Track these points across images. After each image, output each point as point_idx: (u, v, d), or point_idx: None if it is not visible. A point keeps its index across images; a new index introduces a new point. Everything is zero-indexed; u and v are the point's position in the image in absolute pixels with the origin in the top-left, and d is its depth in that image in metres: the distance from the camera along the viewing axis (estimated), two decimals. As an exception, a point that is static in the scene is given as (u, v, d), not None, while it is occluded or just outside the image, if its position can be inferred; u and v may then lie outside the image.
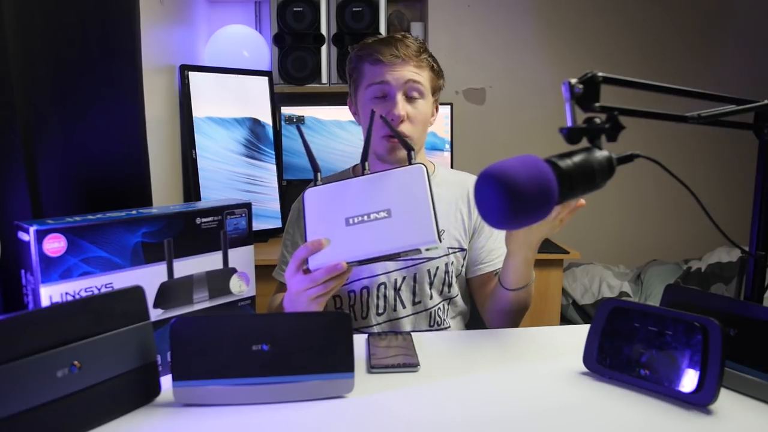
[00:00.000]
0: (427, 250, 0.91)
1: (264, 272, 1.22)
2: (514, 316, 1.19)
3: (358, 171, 1.32)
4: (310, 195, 0.97)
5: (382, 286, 1.23)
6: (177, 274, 0.91)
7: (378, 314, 1.24)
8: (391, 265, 1.22)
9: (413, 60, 1.19)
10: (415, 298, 1.24)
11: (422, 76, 1.21)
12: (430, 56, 1.24)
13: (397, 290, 1.23)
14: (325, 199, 0.96)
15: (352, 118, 1.33)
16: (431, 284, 1.24)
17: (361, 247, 0.91)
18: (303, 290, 0.93)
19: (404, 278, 1.23)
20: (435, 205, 0.92)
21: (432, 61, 1.24)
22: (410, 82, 1.19)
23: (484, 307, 1.27)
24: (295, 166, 2.41)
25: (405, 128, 1.19)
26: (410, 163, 0.98)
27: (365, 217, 0.92)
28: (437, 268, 1.24)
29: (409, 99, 1.20)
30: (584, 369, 0.91)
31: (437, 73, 1.25)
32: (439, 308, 1.25)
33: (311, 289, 0.93)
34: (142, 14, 1.31)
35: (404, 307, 1.23)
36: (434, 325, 1.24)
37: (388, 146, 1.20)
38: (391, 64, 1.18)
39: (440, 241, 0.91)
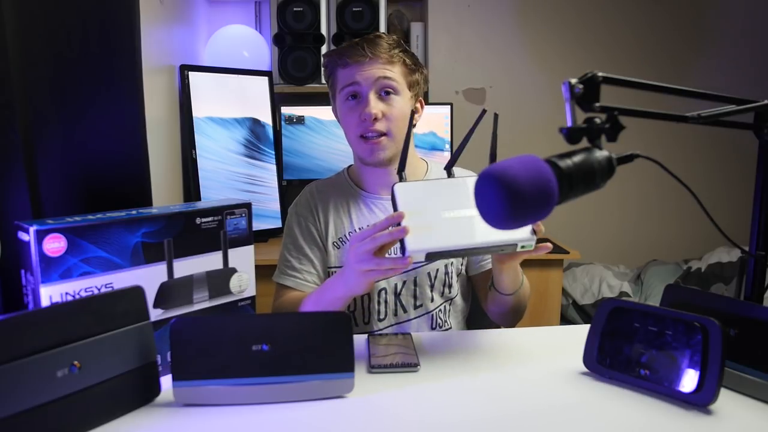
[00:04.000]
0: (522, 247, 0.95)
1: (264, 272, 1.22)
2: (516, 314, 1.21)
3: (353, 172, 1.32)
4: (400, 189, 0.97)
5: (383, 292, 1.23)
6: (177, 274, 0.91)
7: (380, 320, 1.23)
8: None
9: (383, 57, 1.18)
10: (416, 301, 1.23)
11: (394, 72, 1.19)
12: (403, 51, 1.21)
13: (397, 295, 1.23)
14: (415, 194, 0.97)
15: None
16: (432, 287, 1.24)
17: (462, 238, 0.93)
18: (365, 269, 0.95)
19: (404, 282, 1.23)
20: None
21: (405, 56, 1.21)
22: (381, 80, 1.17)
23: (487, 302, 1.27)
24: (295, 166, 2.41)
25: (380, 126, 1.18)
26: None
27: (462, 212, 0.95)
28: (437, 270, 1.24)
29: (383, 97, 1.19)
30: (584, 369, 0.91)
31: (411, 67, 1.22)
32: (440, 310, 1.25)
33: (372, 271, 0.95)
34: (142, 14, 1.31)
35: (405, 311, 1.23)
36: (436, 327, 1.24)
37: (367, 148, 1.19)
38: (359, 64, 1.17)
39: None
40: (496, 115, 1.03)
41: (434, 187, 0.99)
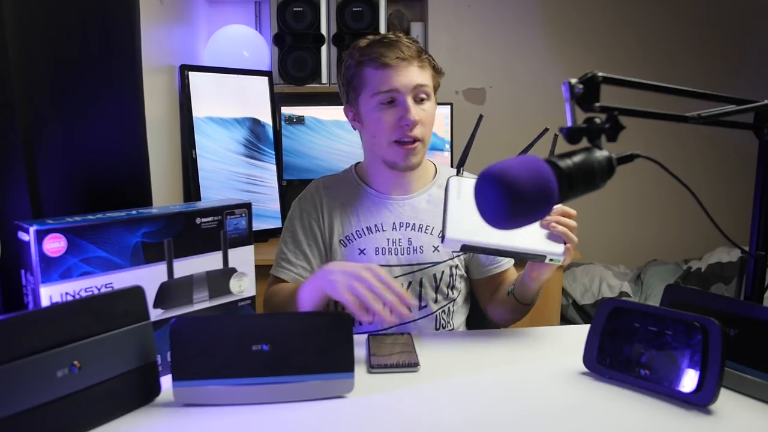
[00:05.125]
0: (551, 260, 1.01)
1: (264, 272, 1.22)
2: (518, 318, 1.23)
3: (361, 170, 1.32)
4: (453, 181, 1.05)
5: None
6: (177, 274, 0.91)
7: None
8: (396, 270, 1.22)
9: (416, 61, 1.17)
10: (420, 302, 1.23)
11: (426, 77, 1.19)
12: (428, 55, 1.22)
13: None
14: (466, 188, 1.04)
15: None
16: (436, 288, 1.23)
17: (498, 238, 0.98)
18: (354, 283, 0.96)
19: (410, 283, 1.22)
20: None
21: (431, 60, 1.22)
22: (418, 87, 1.17)
23: (488, 303, 1.27)
24: (295, 166, 2.41)
25: (418, 132, 1.17)
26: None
27: None
28: (443, 272, 1.23)
29: (418, 102, 1.19)
30: (584, 369, 0.91)
31: (438, 71, 1.24)
32: (443, 311, 1.25)
33: (355, 289, 0.95)
34: (142, 14, 1.31)
35: (410, 311, 1.23)
36: (439, 328, 1.24)
37: (404, 153, 1.18)
38: (396, 67, 1.15)
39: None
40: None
41: None
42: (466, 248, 1.00)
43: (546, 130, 1.04)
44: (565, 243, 1.01)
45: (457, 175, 1.08)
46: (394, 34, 1.21)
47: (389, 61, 1.15)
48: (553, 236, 1.01)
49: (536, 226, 1.01)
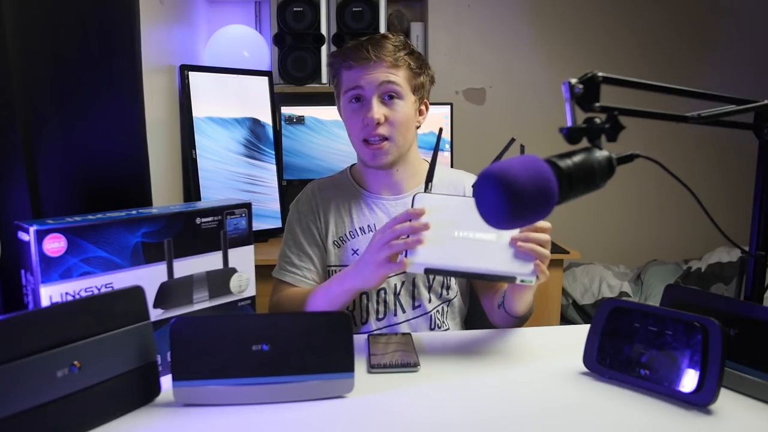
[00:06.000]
0: (522, 281, 0.95)
1: (264, 272, 1.22)
2: (517, 325, 1.21)
3: (356, 172, 1.32)
4: (419, 198, 1.00)
5: (382, 291, 1.23)
6: (177, 274, 0.91)
7: (378, 319, 1.23)
8: None
9: (387, 60, 1.17)
10: (414, 302, 1.23)
11: (398, 76, 1.17)
12: (408, 54, 1.20)
13: (396, 295, 1.23)
14: (432, 206, 0.99)
15: None
16: (430, 288, 1.24)
17: (464, 261, 0.95)
18: (383, 257, 0.97)
19: (403, 283, 1.23)
20: None
21: (410, 59, 1.20)
22: (384, 84, 1.17)
23: (488, 308, 1.27)
24: (295, 166, 2.41)
25: (383, 131, 1.17)
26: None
27: (473, 234, 0.96)
28: None
29: (386, 101, 1.18)
30: (584, 369, 0.91)
31: (416, 71, 1.21)
32: (438, 311, 1.25)
33: (385, 246, 0.97)
34: (142, 14, 1.31)
35: (404, 311, 1.23)
36: (434, 328, 1.24)
37: (369, 152, 1.19)
38: (363, 67, 1.16)
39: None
40: (512, 140, 1.08)
41: (453, 203, 1.00)
42: (429, 271, 0.95)
43: (513, 140, 1.03)
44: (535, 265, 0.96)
45: (425, 191, 1.04)
46: (381, 34, 1.23)
47: (355, 62, 1.17)
48: (524, 254, 0.95)
49: (506, 244, 0.96)
